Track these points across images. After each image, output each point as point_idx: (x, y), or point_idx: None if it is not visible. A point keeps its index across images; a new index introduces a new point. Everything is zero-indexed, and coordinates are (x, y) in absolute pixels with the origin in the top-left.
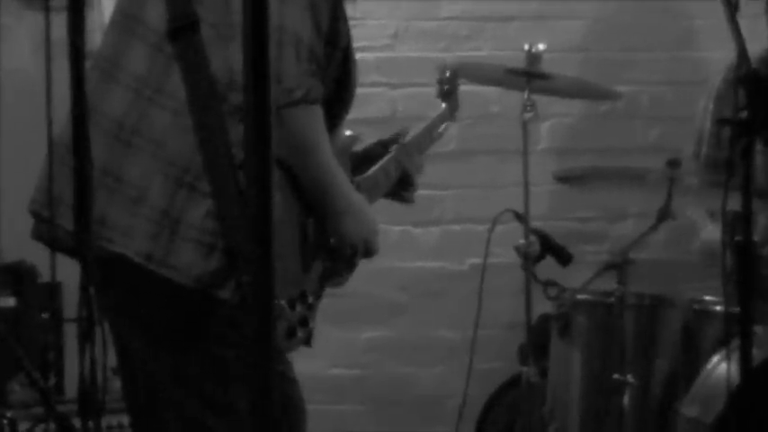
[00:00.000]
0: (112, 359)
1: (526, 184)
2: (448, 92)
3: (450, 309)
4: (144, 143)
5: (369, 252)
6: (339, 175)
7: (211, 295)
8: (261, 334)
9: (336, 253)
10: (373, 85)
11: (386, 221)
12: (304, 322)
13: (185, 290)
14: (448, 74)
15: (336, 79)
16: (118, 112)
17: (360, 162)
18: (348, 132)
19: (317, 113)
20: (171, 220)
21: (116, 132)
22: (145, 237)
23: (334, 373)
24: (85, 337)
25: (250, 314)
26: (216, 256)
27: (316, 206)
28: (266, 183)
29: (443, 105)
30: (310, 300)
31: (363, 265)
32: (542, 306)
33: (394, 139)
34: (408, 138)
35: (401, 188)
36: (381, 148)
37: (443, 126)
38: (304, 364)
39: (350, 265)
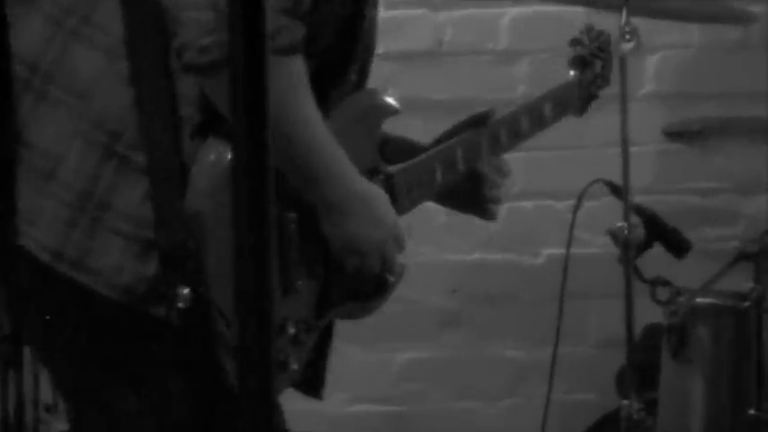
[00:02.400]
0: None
1: (625, 144)
2: (584, 59)
3: (520, 318)
4: (62, 94)
5: (387, 265)
6: (331, 155)
7: (147, 314)
8: (253, 388)
9: (335, 264)
10: (408, 4)
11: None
12: (281, 362)
13: (110, 305)
14: (594, 34)
15: (341, 17)
16: (31, 49)
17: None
18: (385, 97)
19: (289, 67)
20: (93, 204)
21: (26, 78)
22: (55, 226)
23: (358, 410)
24: (8, 364)
25: (196, 338)
26: (152, 261)
27: (298, 197)
28: (261, 157)
29: (571, 74)
30: (291, 331)
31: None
32: (649, 314)
33: (476, 121)
34: (495, 118)
35: (474, 197)
36: (457, 134)
37: (555, 110)
38: (316, 400)
39: (367, 290)
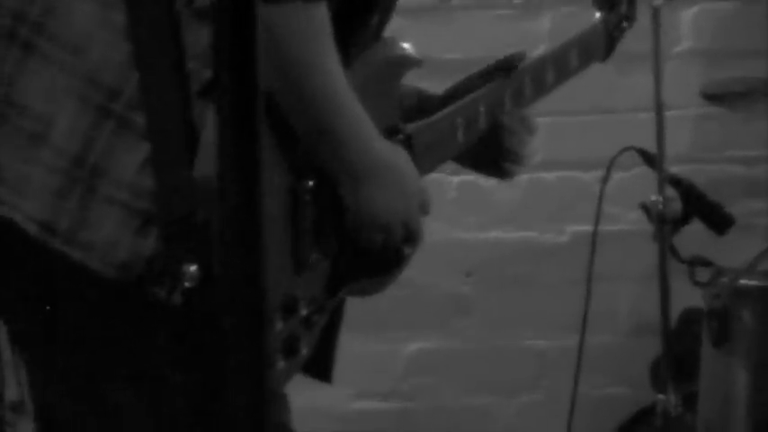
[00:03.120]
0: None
1: (659, 108)
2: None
3: (542, 304)
4: (52, 48)
5: (411, 237)
6: (354, 114)
7: (145, 294)
8: (246, 368)
9: (354, 239)
10: None
11: (438, 168)
12: (291, 346)
13: (104, 283)
14: None
15: None
16: None
17: (437, 108)
18: (405, 47)
19: (311, 14)
20: (87, 170)
21: (11, 29)
22: (44, 195)
23: (363, 407)
24: None
25: (205, 329)
26: (154, 234)
27: (315, 163)
28: (249, 119)
29: (597, 15)
30: (303, 312)
31: None
32: (687, 298)
33: (503, 67)
34: (526, 64)
35: (494, 154)
36: (479, 82)
37: (581, 57)
38: (317, 394)
39: (384, 264)
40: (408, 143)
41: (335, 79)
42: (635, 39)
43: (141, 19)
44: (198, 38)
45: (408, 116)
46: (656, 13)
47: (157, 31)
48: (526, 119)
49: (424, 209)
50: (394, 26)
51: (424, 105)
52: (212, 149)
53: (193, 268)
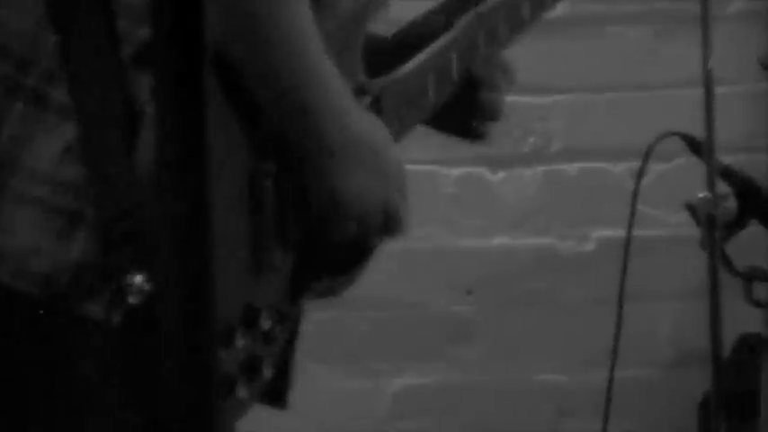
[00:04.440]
0: None
1: (707, 82)
2: None
3: (562, 328)
4: None
5: (391, 227)
6: (327, 73)
7: (71, 312)
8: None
9: (325, 232)
10: None
11: (432, 158)
12: (252, 368)
13: (20, 299)
14: None
15: None
16: None
17: (395, 51)
18: None
19: None
20: None
21: None
22: None
23: None
24: None
25: (149, 351)
26: (81, 237)
27: (280, 140)
28: (194, 86)
29: None
30: (266, 325)
31: (388, 250)
32: (743, 321)
33: (467, 1)
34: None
35: (465, 111)
36: (441, 20)
37: None
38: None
39: (354, 256)
40: (377, 106)
41: (306, 30)
42: None
43: None
44: None
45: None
46: None
47: None
48: (503, 65)
49: (403, 193)
50: None
51: (373, 52)
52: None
53: (139, 279)
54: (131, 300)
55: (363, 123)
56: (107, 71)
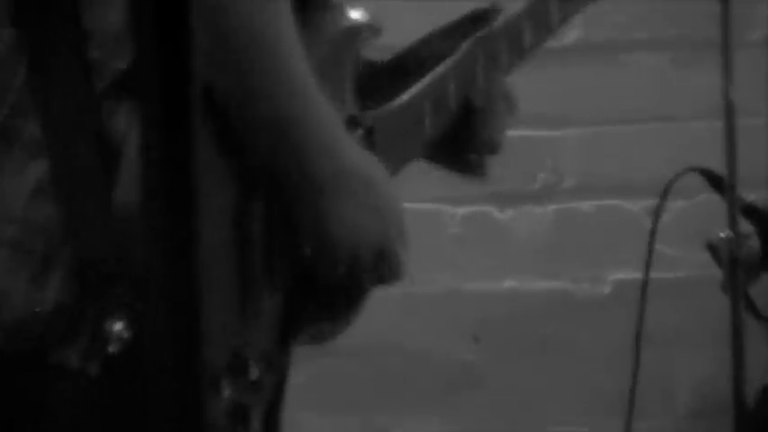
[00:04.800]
0: None
1: (728, 114)
2: None
3: (575, 377)
4: None
5: (387, 270)
6: (315, 104)
7: (45, 361)
8: None
9: (315, 273)
10: None
11: (435, 196)
12: (240, 418)
13: None
14: None
15: None
16: None
17: (390, 78)
18: (356, 15)
19: None
20: None
21: None
22: None
23: None
24: None
25: (129, 403)
26: (55, 281)
27: (268, 178)
28: (185, 121)
29: None
30: (254, 374)
31: (388, 294)
32: None
33: (470, 25)
34: (498, 25)
35: (463, 144)
36: (440, 45)
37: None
38: None
39: (347, 300)
40: (370, 139)
41: (296, 59)
42: (698, 23)
43: None
44: (106, 15)
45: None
46: None
47: (50, 7)
48: (505, 94)
49: (400, 234)
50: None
51: (369, 78)
52: (137, 168)
53: (118, 326)
54: (110, 348)
55: (355, 157)
56: (80, 104)
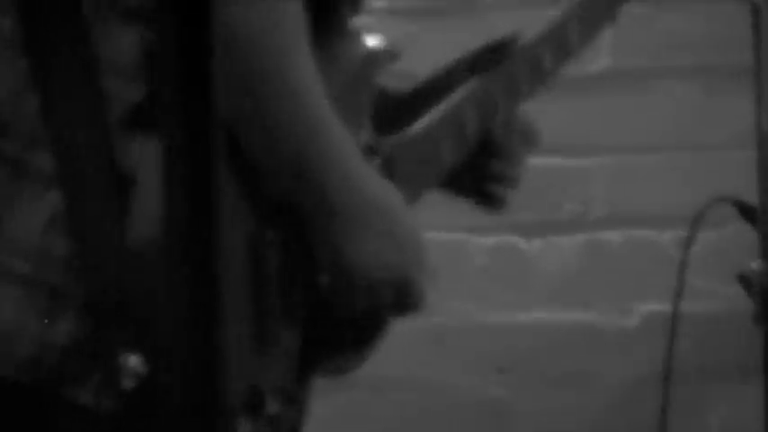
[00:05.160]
0: None
1: (762, 142)
2: None
3: (604, 411)
4: None
5: (407, 301)
6: (332, 133)
7: (58, 398)
8: None
9: (334, 305)
10: None
11: (461, 226)
12: None
13: (3, 385)
14: None
15: None
16: None
17: (409, 108)
18: (373, 42)
19: (287, 8)
20: None
21: None
22: None
23: None
24: None
25: None
26: (69, 315)
27: (284, 206)
28: (206, 157)
29: None
30: (272, 409)
31: (412, 326)
32: None
33: (489, 54)
34: (517, 52)
35: (480, 175)
36: (463, 75)
37: (584, 28)
38: None
39: (367, 332)
40: (389, 168)
41: (313, 94)
42: (728, 47)
43: (39, 23)
44: (120, 46)
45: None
46: (756, 13)
47: (62, 38)
48: (526, 126)
49: (421, 265)
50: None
51: (388, 107)
52: (151, 200)
53: (134, 361)
54: (125, 383)
55: (374, 186)
56: (94, 135)
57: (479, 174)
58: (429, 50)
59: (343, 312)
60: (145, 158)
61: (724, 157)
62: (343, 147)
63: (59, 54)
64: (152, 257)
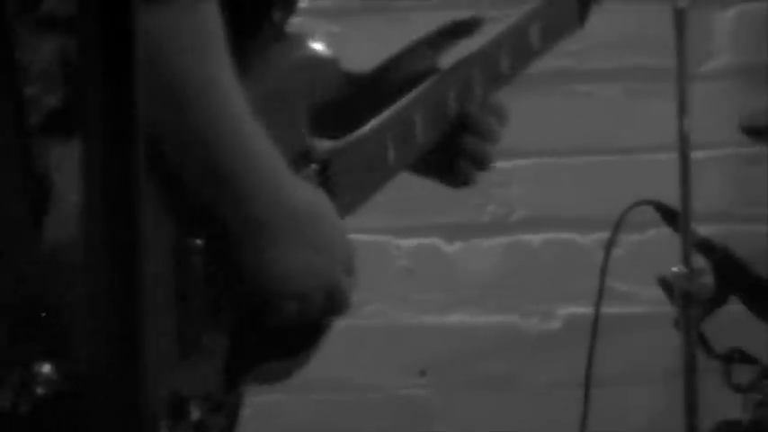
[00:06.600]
0: None
1: (683, 144)
2: None
3: (525, 414)
4: None
5: (334, 306)
6: (257, 146)
7: None
8: None
9: (262, 312)
10: None
11: (382, 227)
12: None
13: None
14: None
15: None
16: None
17: (368, 96)
18: (317, 47)
19: (204, 14)
20: None
21: None
22: None
23: None
24: None
25: None
26: None
27: (207, 213)
28: (128, 162)
29: None
30: (196, 414)
31: (333, 327)
32: (721, 406)
33: (451, 36)
34: (486, 38)
35: (448, 152)
36: (425, 58)
37: (547, 34)
38: None
39: (300, 338)
40: (324, 174)
41: (232, 100)
42: (652, 51)
43: None
44: (39, 53)
45: (334, 116)
46: (679, 18)
47: None
48: (499, 105)
49: (348, 269)
50: (324, 32)
51: (352, 92)
52: (67, 206)
53: (47, 368)
54: (39, 390)
55: (299, 193)
56: (11, 141)
57: (451, 153)
58: (353, 50)
59: (273, 320)
60: (63, 164)
61: (646, 160)
62: (263, 155)
63: None
64: (68, 263)
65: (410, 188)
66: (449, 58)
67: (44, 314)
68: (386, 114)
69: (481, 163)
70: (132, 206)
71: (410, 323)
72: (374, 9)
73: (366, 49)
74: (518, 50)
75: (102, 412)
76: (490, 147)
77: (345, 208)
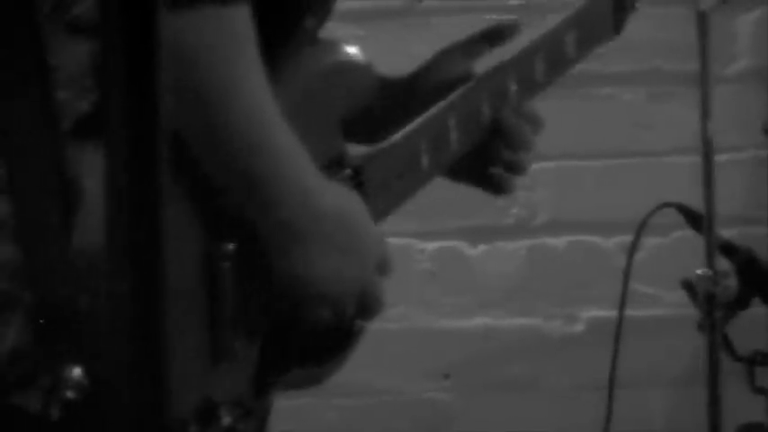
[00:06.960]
0: None
1: (707, 149)
2: None
3: (548, 416)
4: None
5: (365, 310)
6: (288, 151)
7: (5, 400)
8: None
9: (294, 318)
10: None
11: (405, 231)
12: None
13: None
14: None
15: None
16: None
17: (403, 101)
18: (351, 51)
19: (233, 20)
20: None
21: None
22: None
23: None
24: None
25: None
26: (17, 322)
27: (238, 219)
28: (150, 166)
29: None
30: (226, 420)
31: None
32: (744, 409)
33: (486, 42)
34: (521, 44)
35: (483, 160)
36: (460, 63)
37: (582, 41)
38: None
39: (333, 343)
40: (358, 180)
41: (262, 106)
42: (675, 55)
43: None
44: (70, 58)
45: (368, 122)
46: (702, 21)
47: (13, 49)
48: (533, 113)
49: (383, 269)
50: (347, 35)
51: (385, 96)
52: (99, 209)
53: (77, 372)
54: (69, 394)
55: (328, 197)
56: (44, 144)
57: (488, 159)
58: (377, 53)
59: (306, 325)
60: (93, 168)
61: (669, 163)
62: (292, 158)
63: (10, 62)
64: (97, 267)
65: (433, 191)
66: (482, 63)
67: (73, 318)
68: (419, 120)
69: (515, 170)
70: (155, 210)
71: (433, 326)
72: (394, 13)
73: (386, 54)
74: (553, 58)
75: (125, 416)
76: (524, 154)
77: (378, 214)
